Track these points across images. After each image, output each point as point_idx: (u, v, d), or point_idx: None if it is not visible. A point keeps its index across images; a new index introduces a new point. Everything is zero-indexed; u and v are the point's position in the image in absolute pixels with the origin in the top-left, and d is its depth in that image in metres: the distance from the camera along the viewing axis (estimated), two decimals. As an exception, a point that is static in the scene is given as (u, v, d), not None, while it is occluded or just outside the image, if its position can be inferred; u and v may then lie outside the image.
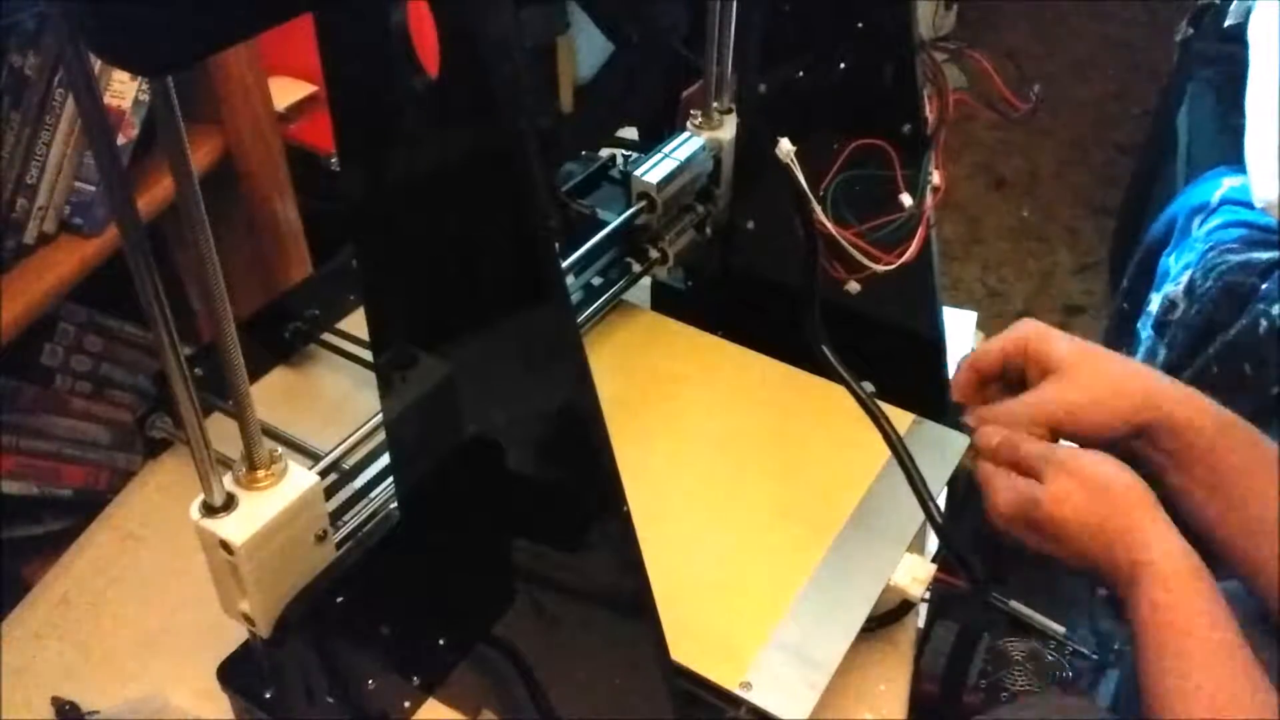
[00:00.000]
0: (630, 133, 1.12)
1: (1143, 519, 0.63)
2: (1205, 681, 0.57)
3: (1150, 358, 1.45)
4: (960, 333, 1.11)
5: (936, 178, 0.71)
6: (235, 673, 0.64)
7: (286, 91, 1.14)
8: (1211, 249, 1.37)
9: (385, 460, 0.71)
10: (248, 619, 0.58)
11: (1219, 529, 0.68)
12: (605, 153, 1.00)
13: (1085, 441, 0.69)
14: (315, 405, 0.89)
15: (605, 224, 0.84)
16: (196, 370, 0.61)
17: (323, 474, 0.69)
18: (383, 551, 0.64)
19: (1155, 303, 1.44)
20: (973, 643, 1.12)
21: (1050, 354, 0.72)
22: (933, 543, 0.79)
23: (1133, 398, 0.70)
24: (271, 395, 0.90)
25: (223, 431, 0.56)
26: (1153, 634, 0.59)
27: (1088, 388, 0.71)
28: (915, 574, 0.70)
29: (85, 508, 0.89)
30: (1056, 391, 0.71)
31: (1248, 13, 1.60)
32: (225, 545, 0.54)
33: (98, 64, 0.41)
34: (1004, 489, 0.68)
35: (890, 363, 0.77)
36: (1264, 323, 1.25)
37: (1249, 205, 1.38)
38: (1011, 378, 0.76)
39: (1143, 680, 0.59)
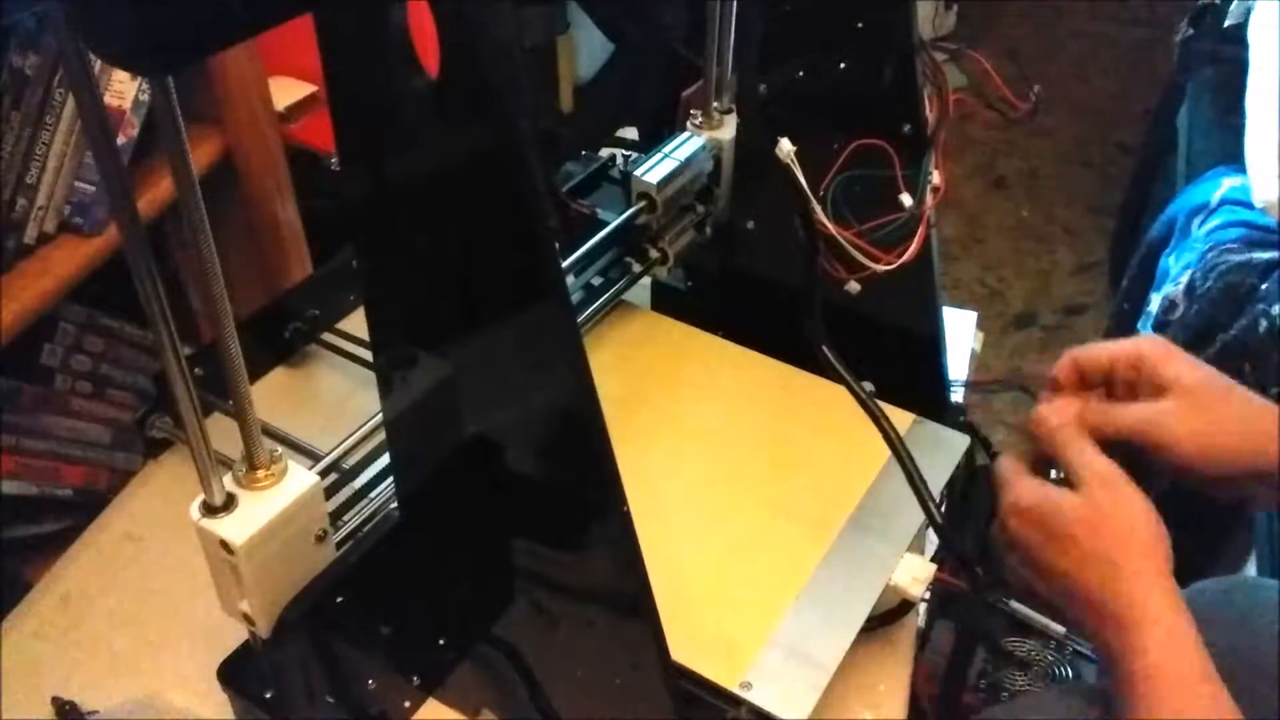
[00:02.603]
0: (630, 133, 1.12)
1: (1152, 573, 0.58)
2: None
3: (1150, 358, 1.44)
4: (960, 333, 1.11)
5: (936, 178, 0.71)
6: (235, 673, 0.64)
7: (286, 91, 1.14)
8: (1211, 249, 1.36)
9: (385, 460, 0.71)
10: (248, 619, 0.58)
11: None
12: (605, 153, 1.00)
13: (1194, 475, 0.63)
14: (315, 405, 0.89)
15: (605, 224, 0.84)
16: (196, 370, 0.61)
17: (323, 474, 0.69)
18: (383, 551, 0.64)
19: (1155, 303, 1.44)
20: (973, 643, 1.13)
21: (1169, 374, 0.64)
22: (933, 543, 0.79)
23: (1260, 441, 0.62)
24: (271, 395, 0.90)
25: (223, 431, 0.56)
26: (1143, 685, 0.57)
27: (1213, 420, 0.63)
28: (915, 574, 0.70)
29: (85, 508, 0.89)
30: (1176, 412, 0.63)
31: (1248, 13, 1.59)
32: (225, 545, 0.54)
33: (98, 64, 0.41)
34: (1030, 483, 0.64)
35: (890, 363, 0.77)
36: (1264, 323, 1.25)
37: (1249, 205, 1.38)
38: (1116, 392, 0.68)
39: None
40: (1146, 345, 0.67)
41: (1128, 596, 0.58)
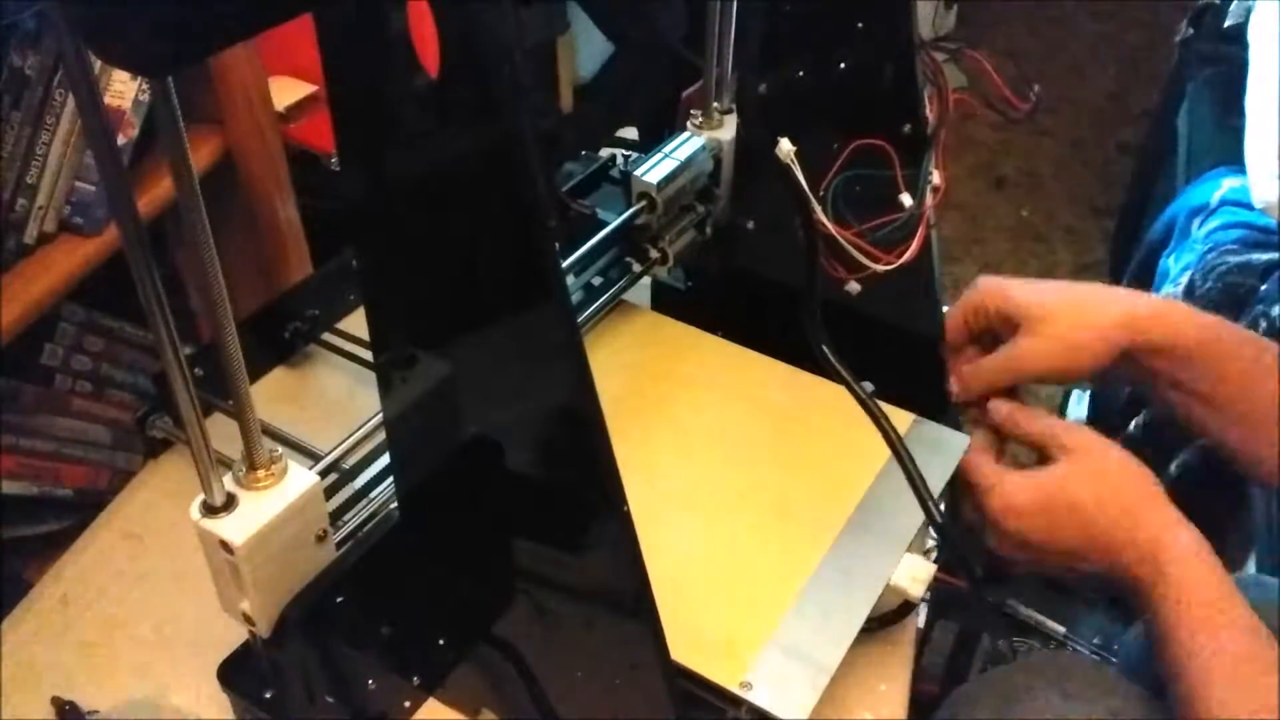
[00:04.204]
0: (630, 133, 1.12)
1: (1156, 508, 0.64)
2: (1237, 651, 0.59)
3: (1150, 358, 1.45)
4: (960, 333, 1.11)
5: (936, 178, 0.71)
6: (235, 673, 0.64)
7: (286, 91, 1.14)
8: (1211, 250, 1.36)
9: (385, 460, 0.71)
10: (248, 619, 0.58)
11: (1220, 432, 0.69)
12: (605, 153, 1.00)
13: (1069, 381, 0.71)
14: (315, 405, 0.89)
15: (605, 224, 0.84)
16: (196, 370, 0.60)
17: (323, 474, 0.69)
18: (383, 551, 0.64)
19: (1155, 303, 1.44)
20: (973, 643, 1.12)
21: (1012, 308, 0.72)
22: (933, 543, 0.79)
23: (1105, 331, 0.70)
24: (271, 395, 0.90)
25: (223, 431, 0.56)
26: (1181, 614, 0.60)
27: (1058, 335, 0.71)
28: (915, 574, 0.70)
29: (85, 508, 0.89)
30: (1028, 346, 0.71)
31: (1248, 13, 1.59)
32: (225, 545, 0.54)
33: (98, 64, 0.41)
34: (1013, 478, 0.69)
35: (890, 363, 0.77)
36: (1264, 323, 1.25)
37: (1248, 206, 1.38)
38: (985, 340, 0.76)
39: (1171, 662, 0.60)
40: (983, 287, 0.75)
41: (1149, 534, 0.63)
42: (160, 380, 0.86)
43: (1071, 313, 0.71)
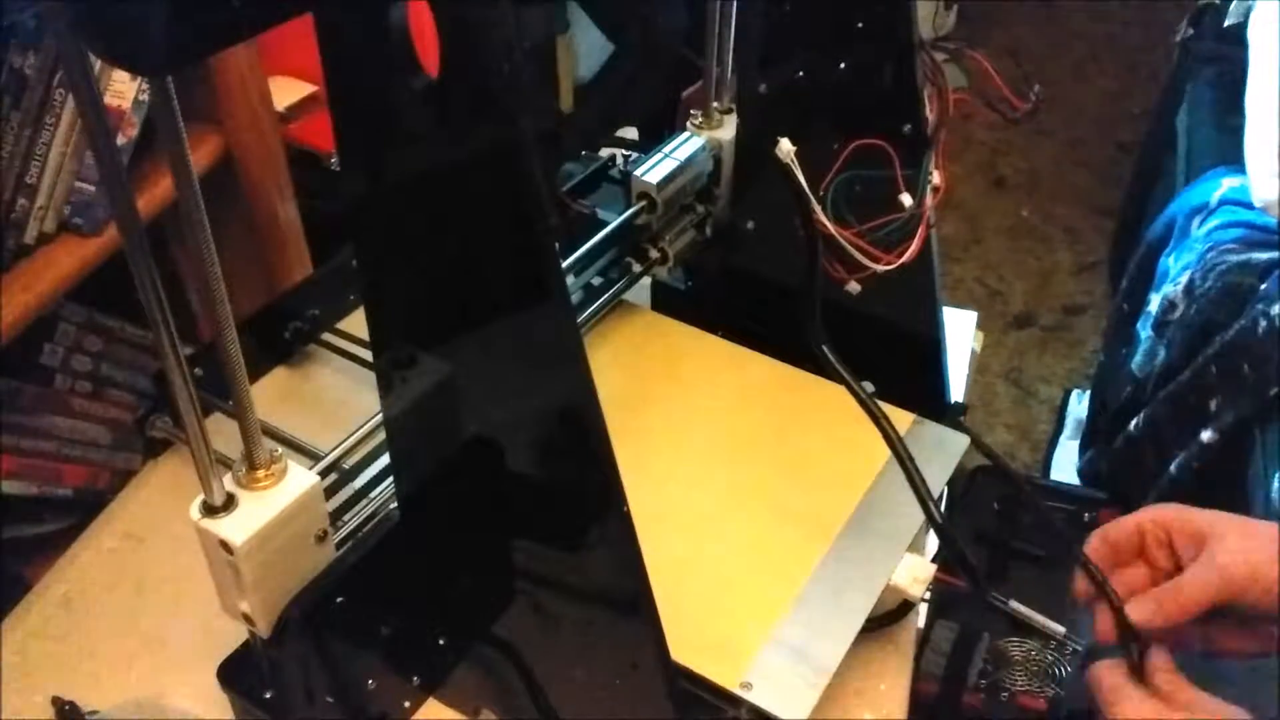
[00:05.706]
0: (630, 133, 1.12)
1: None
2: None
3: (1150, 358, 1.45)
4: (960, 333, 1.11)
5: (936, 178, 0.71)
6: (235, 673, 0.64)
7: (286, 91, 1.14)
8: (1211, 249, 1.37)
9: (385, 460, 0.71)
10: (248, 619, 0.58)
11: None
12: (605, 153, 1.00)
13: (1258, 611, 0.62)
14: (315, 405, 0.89)
15: (605, 224, 0.84)
16: (196, 370, 0.61)
17: (323, 474, 0.69)
18: (383, 551, 0.64)
19: (1155, 303, 1.44)
20: (973, 643, 1.13)
21: (1197, 523, 0.65)
22: (933, 543, 0.79)
23: None
24: (271, 395, 0.90)
25: (223, 431, 0.56)
26: None
27: (1248, 551, 0.63)
28: (915, 574, 0.70)
29: (85, 508, 0.89)
30: (1233, 545, 0.63)
31: (1248, 13, 1.60)
32: (225, 545, 0.54)
33: (98, 64, 0.41)
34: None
35: (890, 363, 0.77)
36: (1263, 323, 1.25)
37: (1248, 205, 1.38)
38: (1154, 558, 0.67)
39: None
40: (1165, 508, 0.67)
41: None
42: (160, 380, 0.86)
43: (1261, 534, 0.63)
